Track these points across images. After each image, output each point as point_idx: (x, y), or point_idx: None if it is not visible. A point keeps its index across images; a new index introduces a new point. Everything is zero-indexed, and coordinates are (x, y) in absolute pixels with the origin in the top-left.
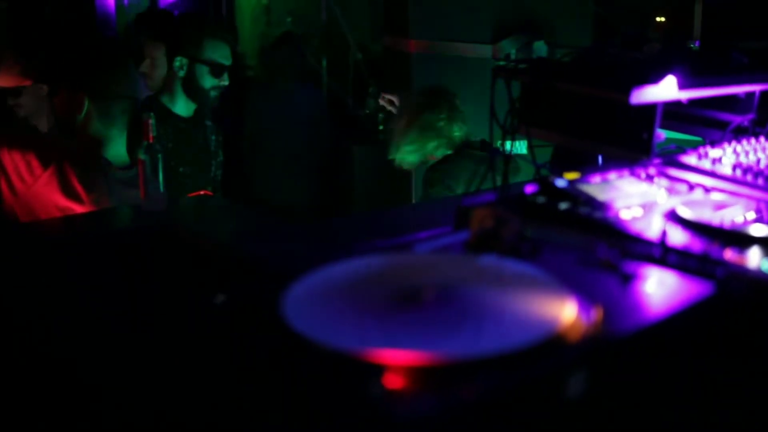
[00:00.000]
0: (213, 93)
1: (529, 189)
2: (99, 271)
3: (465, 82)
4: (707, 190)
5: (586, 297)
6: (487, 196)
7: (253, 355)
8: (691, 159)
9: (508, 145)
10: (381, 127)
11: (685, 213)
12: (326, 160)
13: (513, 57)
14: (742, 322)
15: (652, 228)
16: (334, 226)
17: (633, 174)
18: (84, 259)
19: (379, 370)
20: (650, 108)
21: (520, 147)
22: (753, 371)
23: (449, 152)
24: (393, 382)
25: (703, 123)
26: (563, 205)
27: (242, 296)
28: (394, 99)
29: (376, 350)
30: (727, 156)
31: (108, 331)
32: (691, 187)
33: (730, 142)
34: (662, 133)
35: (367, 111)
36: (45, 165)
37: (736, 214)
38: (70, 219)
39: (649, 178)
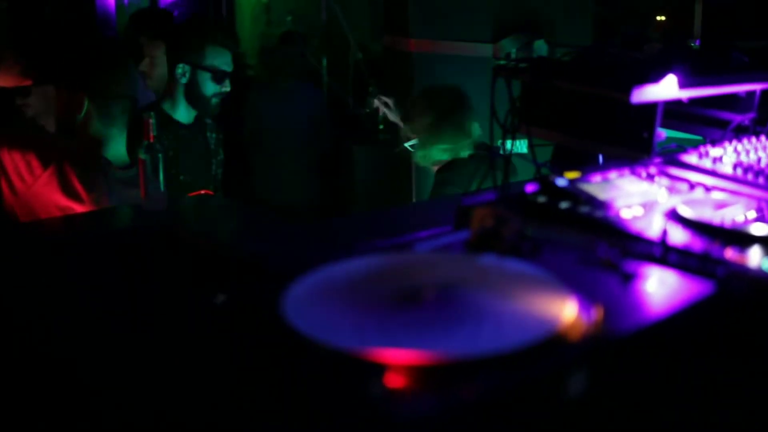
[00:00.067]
0: (215, 100)
1: (530, 188)
2: (99, 271)
3: (465, 82)
4: (708, 189)
5: (587, 296)
6: (487, 195)
7: (253, 355)
8: (691, 158)
9: (508, 144)
10: (381, 127)
11: (686, 212)
12: (326, 160)
13: (513, 56)
14: (742, 322)
15: (653, 227)
16: (334, 226)
17: (634, 173)
18: (84, 259)
19: (379, 369)
20: (651, 107)
21: (521, 146)
22: (753, 371)
23: (472, 152)
24: (393, 381)
25: (704, 122)
26: (564, 205)
27: (242, 296)
28: (389, 101)
29: (376, 350)
30: (727, 155)
31: (108, 331)
32: (692, 186)
33: (730, 141)
34: (663, 132)
35: (368, 111)
36: (45, 165)
37: (737, 213)
38: (70, 219)
39: (650, 177)
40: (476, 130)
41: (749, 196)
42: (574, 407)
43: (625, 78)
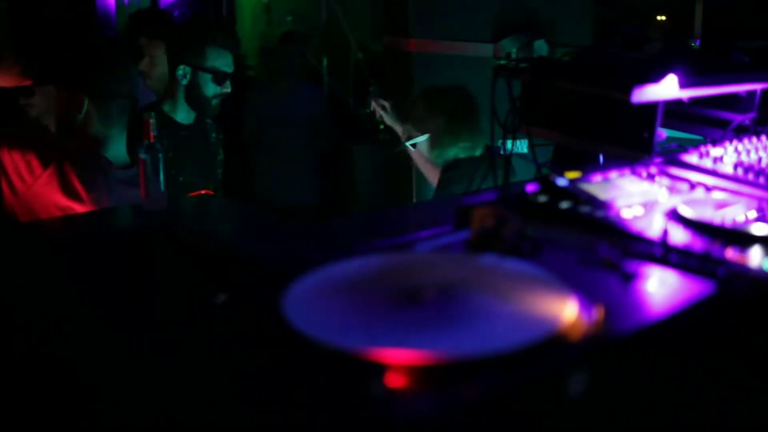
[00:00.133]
0: (215, 101)
1: (530, 188)
2: (99, 272)
3: (466, 82)
4: (708, 189)
5: (587, 296)
6: (487, 195)
7: (254, 355)
8: (692, 158)
9: (508, 144)
10: (381, 127)
11: (687, 212)
12: (326, 160)
13: (514, 56)
14: (743, 322)
15: (654, 227)
16: (334, 226)
17: (634, 173)
18: (84, 259)
19: (379, 369)
20: (651, 107)
21: (521, 146)
22: (753, 371)
23: (481, 152)
24: (393, 381)
25: (705, 122)
26: (564, 204)
27: (243, 296)
28: (387, 104)
29: (377, 349)
30: (728, 155)
31: (108, 331)
32: (693, 186)
33: (731, 141)
34: (663, 132)
35: (368, 110)
36: (45, 165)
37: (738, 213)
38: (70, 219)
39: (651, 177)
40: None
41: (750, 195)
42: (574, 407)
43: (626, 78)
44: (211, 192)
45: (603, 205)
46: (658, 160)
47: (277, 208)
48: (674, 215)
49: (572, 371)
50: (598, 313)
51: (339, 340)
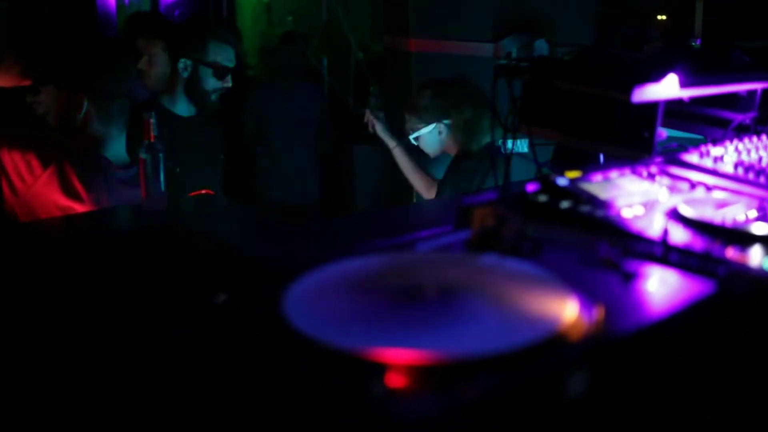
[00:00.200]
0: (214, 96)
1: (531, 188)
2: (99, 271)
3: None
4: (709, 188)
5: (588, 296)
6: (488, 194)
7: (254, 355)
8: (692, 157)
9: (509, 143)
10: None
11: (687, 211)
12: (327, 160)
13: (514, 56)
14: (743, 321)
15: (654, 226)
16: (334, 226)
17: (634, 172)
18: (84, 259)
19: (379, 369)
20: (652, 106)
21: (522, 146)
22: (753, 371)
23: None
24: (393, 381)
25: (705, 121)
26: (564, 204)
27: (243, 296)
28: (380, 115)
29: (377, 349)
30: (728, 154)
31: (108, 331)
32: (693, 185)
33: (731, 141)
34: (664, 132)
35: (372, 100)
36: (45, 164)
37: (738, 212)
38: (71, 219)
39: (651, 176)
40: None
41: (750, 195)
42: (574, 407)
43: (626, 78)
44: (211, 192)
45: (603, 204)
46: (658, 159)
47: (277, 207)
48: (675, 215)
49: (572, 371)
50: (598, 313)
51: (339, 340)
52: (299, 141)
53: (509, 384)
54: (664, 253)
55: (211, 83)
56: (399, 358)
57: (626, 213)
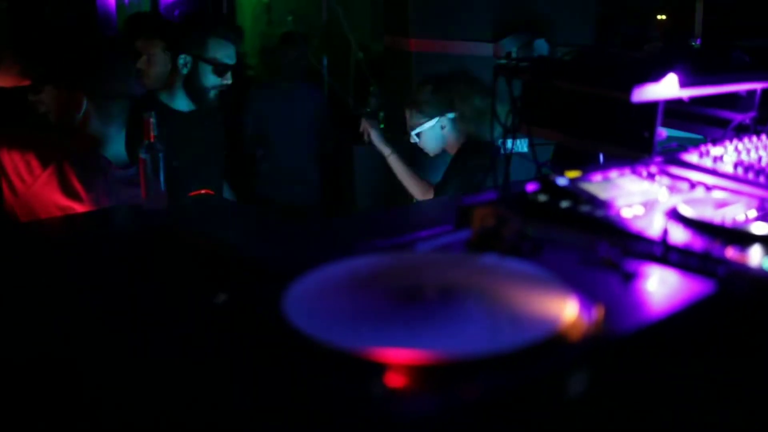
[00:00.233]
0: (213, 92)
1: (531, 187)
2: (99, 271)
3: None
4: (709, 188)
5: (588, 296)
6: (488, 194)
7: (254, 355)
8: (692, 157)
9: (509, 143)
10: (382, 126)
11: (687, 211)
12: (327, 160)
13: (514, 55)
14: (743, 321)
15: (654, 226)
16: (334, 226)
17: (634, 172)
18: (84, 259)
19: (379, 369)
20: (651, 106)
21: (522, 145)
22: (753, 371)
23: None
24: (393, 381)
25: (705, 121)
26: (564, 204)
27: (243, 296)
28: (375, 123)
29: (377, 349)
30: (728, 154)
31: (108, 331)
32: (693, 185)
33: (731, 140)
34: (663, 131)
35: (368, 110)
36: (44, 164)
37: (738, 212)
38: (70, 219)
39: (651, 176)
40: None
41: (750, 195)
42: (574, 407)
43: (626, 77)
44: (211, 191)
45: (603, 204)
46: (658, 159)
47: (278, 207)
48: (674, 214)
49: (572, 371)
50: (598, 312)
51: (339, 340)
52: (299, 141)
53: (509, 384)
54: (663, 253)
55: (211, 80)
56: (399, 358)
57: (626, 213)
